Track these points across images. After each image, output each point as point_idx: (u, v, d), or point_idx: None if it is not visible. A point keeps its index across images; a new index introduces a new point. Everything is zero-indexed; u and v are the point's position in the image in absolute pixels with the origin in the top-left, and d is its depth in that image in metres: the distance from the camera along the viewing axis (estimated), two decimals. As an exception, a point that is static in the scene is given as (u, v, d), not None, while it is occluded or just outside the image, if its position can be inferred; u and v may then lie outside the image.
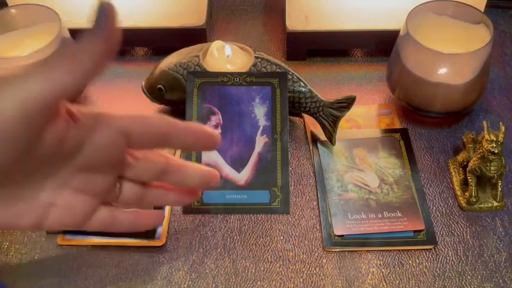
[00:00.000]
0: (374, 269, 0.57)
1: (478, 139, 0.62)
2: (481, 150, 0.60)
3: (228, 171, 0.64)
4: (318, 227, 0.61)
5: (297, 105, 0.67)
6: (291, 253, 0.59)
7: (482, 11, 0.69)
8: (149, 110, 0.72)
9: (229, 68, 0.67)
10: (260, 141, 0.65)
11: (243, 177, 0.63)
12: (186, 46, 0.70)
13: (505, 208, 0.62)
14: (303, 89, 0.66)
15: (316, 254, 0.59)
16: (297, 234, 0.60)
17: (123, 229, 0.47)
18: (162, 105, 0.72)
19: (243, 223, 0.61)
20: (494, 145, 0.58)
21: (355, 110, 0.67)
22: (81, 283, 0.57)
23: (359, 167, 0.66)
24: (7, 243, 0.60)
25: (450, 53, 0.64)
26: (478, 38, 0.66)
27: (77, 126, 0.36)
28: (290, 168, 0.66)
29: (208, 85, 0.66)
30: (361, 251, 0.59)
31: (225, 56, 0.68)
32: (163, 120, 0.41)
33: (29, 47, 0.66)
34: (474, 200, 0.61)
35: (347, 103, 0.65)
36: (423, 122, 0.71)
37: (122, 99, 0.74)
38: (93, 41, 0.34)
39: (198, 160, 0.63)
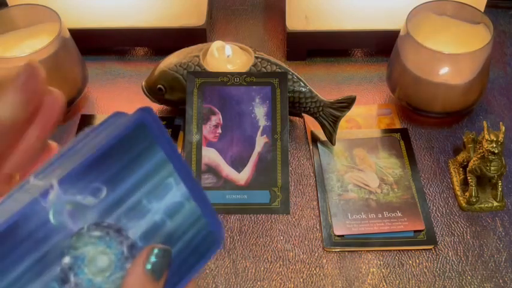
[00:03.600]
0: (374, 269, 0.57)
1: (478, 139, 0.62)
2: (481, 150, 0.60)
3: (228, 171, 0.64)
4: (318, 227, 0.61)
5: (297, 105, 0.67)
6: (291, 253, 0.59)
7: (482, 11, 0.69)
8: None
9: (229, 68, 0.67)
10: (260, 141, 0.65)
11: (243, 177, 0.63)
12: (186, 46, 0.70)
13: (505, 208, 0.62)
14: (303, 89, 0.66)
15: (316, 254, 0.59)
16: (297, 234, 0.60)
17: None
18: (162, 105, 0.72)
19: (243, 223, 0.61)
20: (494, 145, 0.58)
21: (355, 110, 0.67)
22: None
23: (359, 167, 0.66)
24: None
25: (450, 53, 0.64)
26: (478, 38, 0.66)
27: None
28: (290, 168, 0.66)
29: (208, 85, 0.66)
30: (361, 251, 0.59)
31: (225, 56, 0.68)
32: None
33: (29, 47, 0.66)
34: (474, 200, 0.61)
35: (347, 103, 0.65)
36: (423, 122, 0.71)
37: (122, 99, 0.74)
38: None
39: (199, 161, 0.63)
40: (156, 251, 0.25)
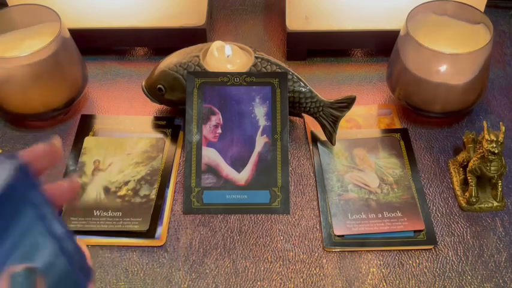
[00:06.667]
0: (374, 269, 0.57)
1: (478, 139, 0.62)
2: (481, 150, 0.60)
3: (228, 171, 0.64)
4: (318, 227, 0.61)
5: (297, 105, 0.67)
6: (291, 253, 0.59)
7: (482, 11, 0.69)
8: (149, 110, 0.72)
9: (229, 68, 0.67)
10: (260, 141, 0.65)
11: (243, 177, 0.63)
12: (186, 46, 0.70)
13: (505, 208, 0.62)
14: (303, 89, 0.66)
15: (316, 254, 0.59)
16: (297, 234, 0.60)
17: None
18: (162, 105, 0.72)
19: (243, 223, 0.61)
20: (494, 145, 0.58)
21: (355, 110, 0.67)
22: (81, 283, 0.57)
23: (359, 167, 0.66)
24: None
25: (450, 53, 0.64)
26: (478, 38, 0.66)
27: None
28: (290, 168, 0.66)
29: (208, 85, 0.66)
30: (361, 251, 0.59)
31: (225, 56, 0.68)
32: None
33: (29, 47, 0.66)
34: (474, 200, 0.61)
35: (347, 103, 0.65)
36: (423, 122, 0.71)
37: (122, 99, 0.74)
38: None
39: (199, 161, 0.63)
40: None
